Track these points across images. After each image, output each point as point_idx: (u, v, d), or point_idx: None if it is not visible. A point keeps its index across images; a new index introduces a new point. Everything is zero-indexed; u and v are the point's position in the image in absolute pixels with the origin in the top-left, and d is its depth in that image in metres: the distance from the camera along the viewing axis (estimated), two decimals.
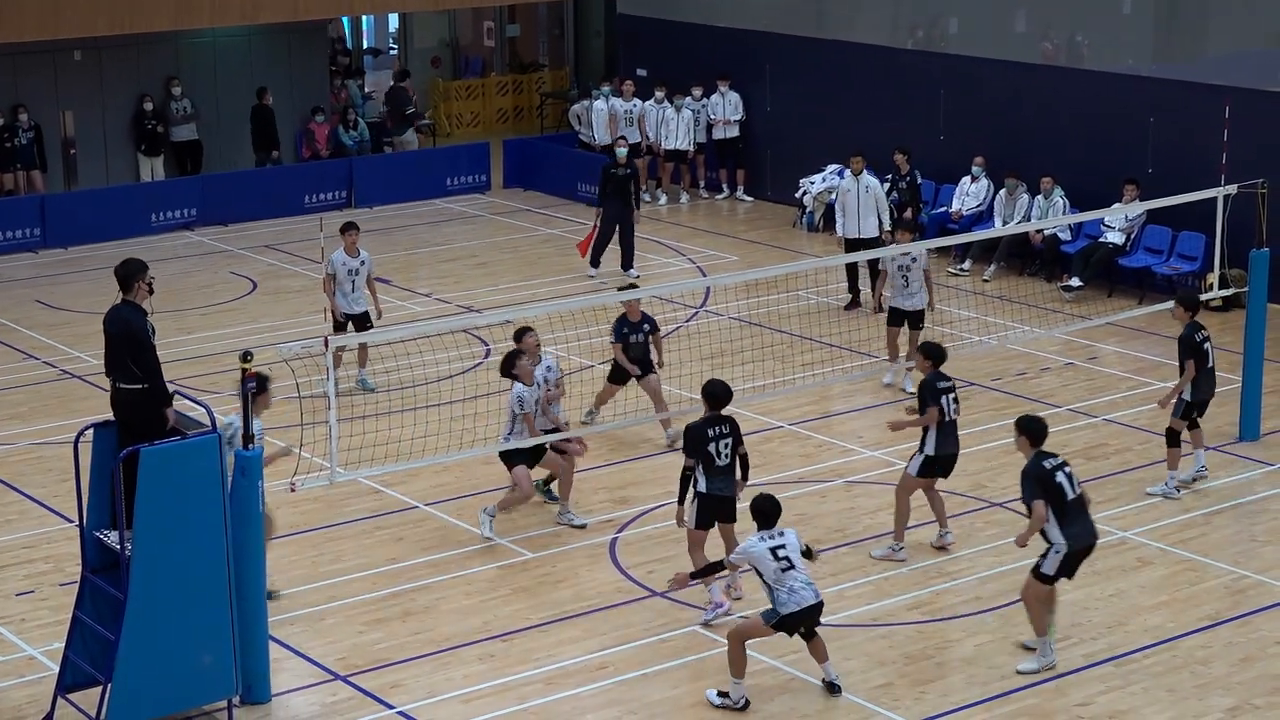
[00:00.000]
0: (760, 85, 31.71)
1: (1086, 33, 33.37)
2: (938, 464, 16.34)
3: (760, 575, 13.65)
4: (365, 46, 40.22)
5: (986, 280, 26.00)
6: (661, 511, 17.59)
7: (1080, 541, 14.06)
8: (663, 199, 31.86)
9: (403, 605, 15.72)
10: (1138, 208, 23.76)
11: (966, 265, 26.61)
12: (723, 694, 13.78)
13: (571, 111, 33.78)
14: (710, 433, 15.20)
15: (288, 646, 14.83)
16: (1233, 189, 19.62)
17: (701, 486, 15.13)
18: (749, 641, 13.80)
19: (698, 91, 31.63)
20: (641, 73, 33.09)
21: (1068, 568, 14.05)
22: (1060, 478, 14.01)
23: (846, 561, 16.48)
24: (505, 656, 14.71)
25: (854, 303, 24.60)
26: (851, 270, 24.67)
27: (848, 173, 25.34)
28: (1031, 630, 14.33)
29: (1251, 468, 18.74)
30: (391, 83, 35.41)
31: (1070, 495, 14.02)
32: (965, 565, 16.38)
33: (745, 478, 15.50)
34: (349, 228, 21.48)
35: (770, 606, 13.64)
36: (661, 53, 33.41)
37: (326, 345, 14.65)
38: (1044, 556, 14.05)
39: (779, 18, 32.24)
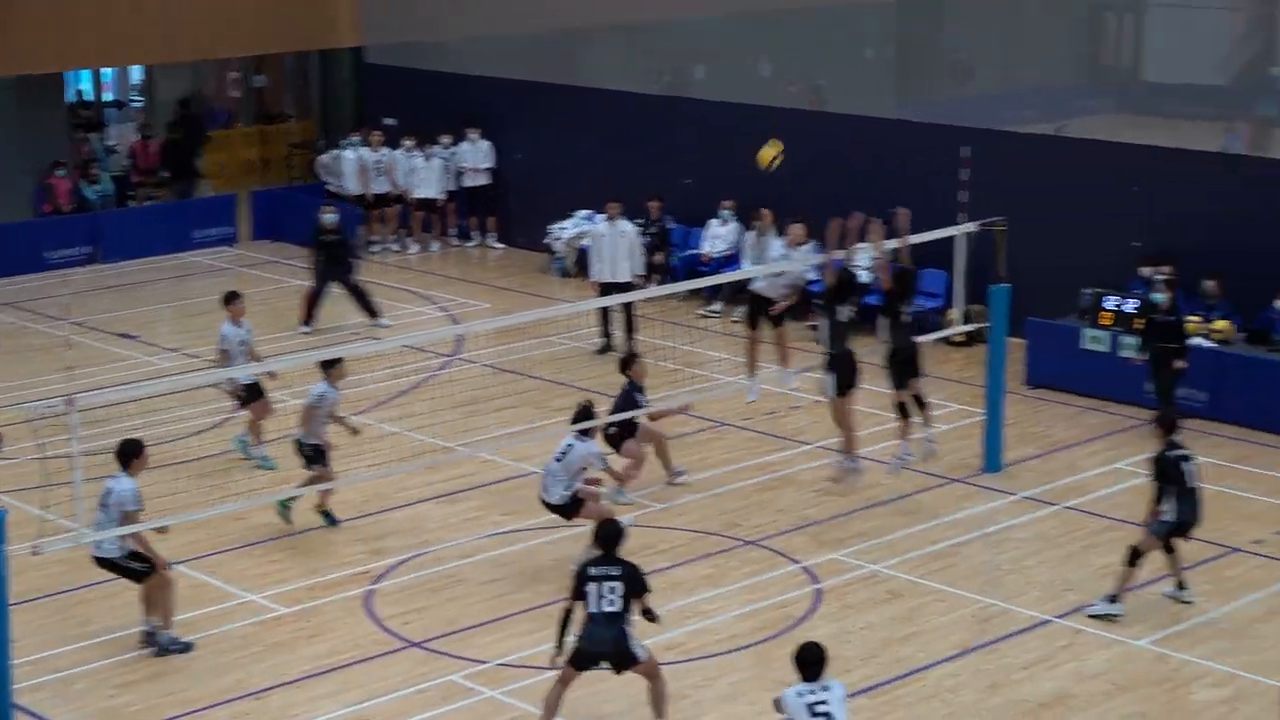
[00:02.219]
0: (510, 133, 31.85)
1: (829, 77, 34.14)
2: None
3: None
4: (105, 100, 39.59)
5: (736, 321, 26.35)
6: (417, 560, 17.57)
7: (1192, 514, 15.88)
8: (414, 248, 31.86)
9: (154, 667, 15.45)
10: (881, 247, 24.26)
11: (717, 307, 26.96)
12: None
13: (319, 162, 33.60)
14: (593, 571, 13.64)
15: (34, 714, 14.51)
16: (973, 227, 20.14)
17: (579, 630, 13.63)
18: None
19: (447, 139, 31.69)
20: (390, 122, 33.03)
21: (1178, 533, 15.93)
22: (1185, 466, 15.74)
23: None
24: (259, 714, 14.55)
25: (606, 347, 24.78)
26: (604, 315, 24.86)
27: (601, 218, 25.58)
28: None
29: (995, 498, 19.23)
30: (137, 136, 34.92)
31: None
32: (719, 605, 16.55)
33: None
34: (234, 297, 20.70)
35: None
36: (410, 102, 33.39)
37: (71, 404, 14.43)
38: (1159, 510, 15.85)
39: (528, 66, 32.44)
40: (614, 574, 13.42)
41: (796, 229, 22.85)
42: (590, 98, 31.11)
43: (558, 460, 17.22)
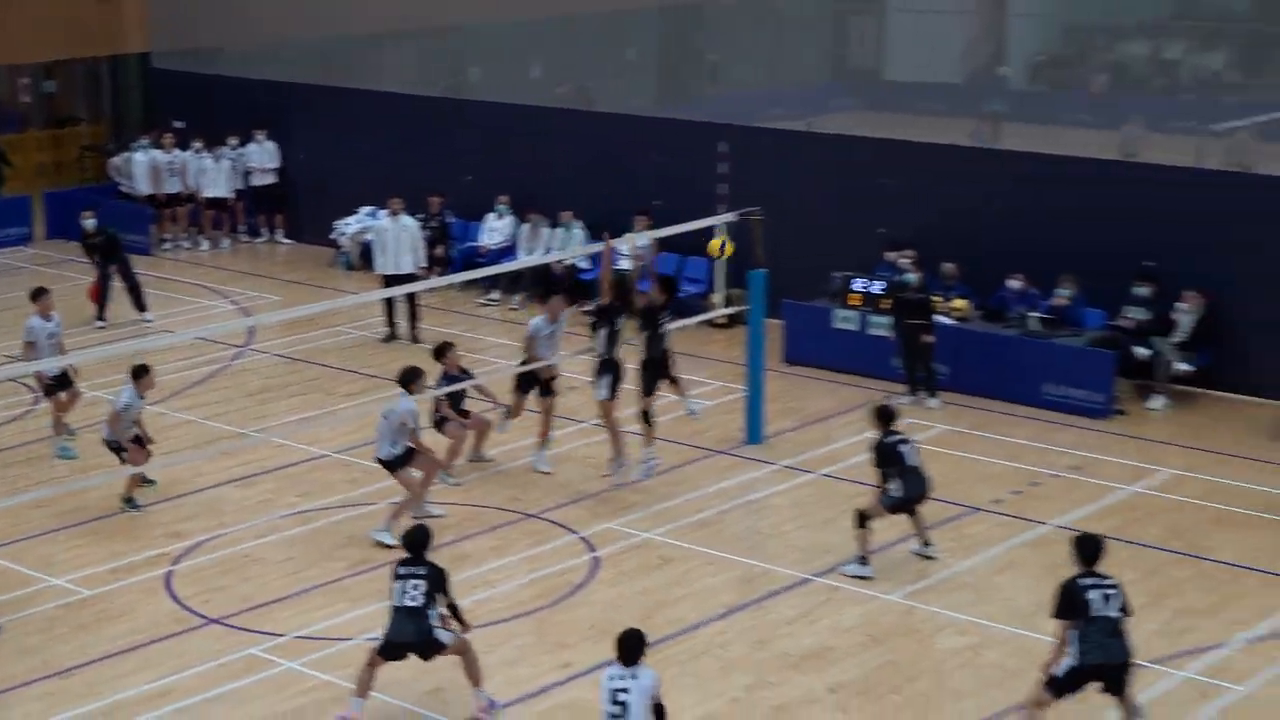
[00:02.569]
0: (296, 134, 31.52)
1: (595, 79, 34.26)
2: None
3: None
4: None
5: (514, 309, 26.42)
6: (215, 541, 17.38)
7: (918, 489, 16.40)
8: (204, 245, 31.40)
9: None
10: (647, 236, 24.45)
11: (496, 295, 26.97)
12: None
13: (111, 164, 32.92)
14: (400, 570, 13.61)
15: None
16: (732, 217, 20.35)
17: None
18: None
19: (234, 141, 31.27)
20: (179, 124, 32.48)
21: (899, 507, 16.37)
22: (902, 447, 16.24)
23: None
24: (65, 693, 14.25)
25: (391, 335, 24.69)
26: (389, 305, 24.75)
27: (385, 214, 25.45)
28: None
29: (757, 468, 19.49)
30: None
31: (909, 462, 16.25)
32: (504, 574, 16.59)
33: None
34: (42, 293, 20.27)
35: None
36: (198, 105, 32.88)
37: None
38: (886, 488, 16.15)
39: (310, 70, 32.17)
40: (419, 573, 13.42)
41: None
42: (370, 99, 30.91)
43: (384, 418, 17.23)
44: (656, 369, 18.77)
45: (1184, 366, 21.34)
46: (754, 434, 20.15)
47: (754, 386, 20.18)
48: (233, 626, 15.41)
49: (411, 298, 24.47)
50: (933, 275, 22.84)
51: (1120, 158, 25.27)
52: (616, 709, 11.77)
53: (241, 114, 31.67)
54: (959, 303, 22.39)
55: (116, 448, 18.07)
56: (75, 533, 17.69)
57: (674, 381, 18.99)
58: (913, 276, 21.62)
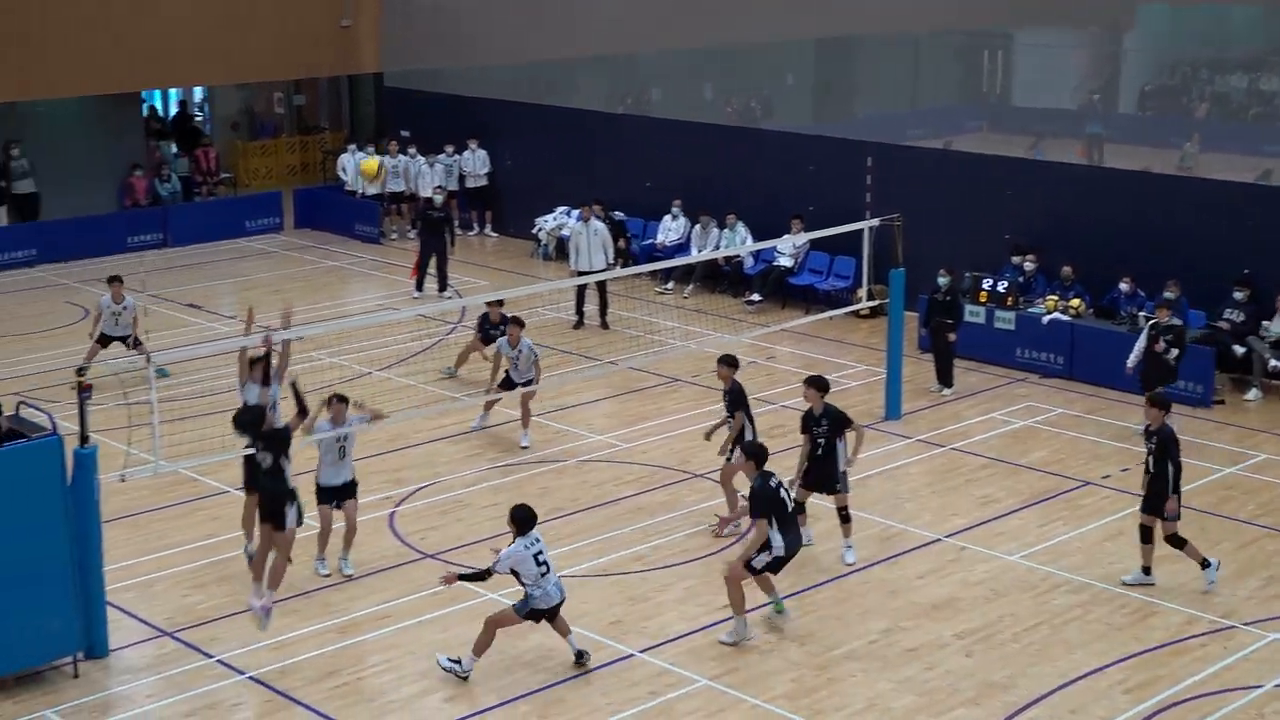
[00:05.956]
0: (502, 143, 31.65)
1: (760, 99, 34.06)
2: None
3: (519, 576, 12.99)
4: (174, 113, 39.11)
5: (686, 297, 26.30)
6: (430, 488, 17.49)
7: (793, 548, 13.74)
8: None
9: (219, 571, 15.36)
10: (803, 237, 24.26)
11: (670, 286, 26.87)
12: (454, 660, 13.23)
13: (340, 163, 33.14)
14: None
15: (123, 609, 14.40)
16: (875, 222, 20.08)
17: None
18: (501, 628, 13.18)
19: (450, 149, 31.48)
20: (405, 134, 32.79)
21: (774, 568, 13.77)
22: (782, 493, 13.66)
23: (581, 523, 16.54)
24: (306, 611, 14.43)
25: (580, 323, 24.56)
26: (580, 296, 24.65)
27: (577, 215, 25.40)
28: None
29: (895, 440, 19.22)
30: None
31: (789, 508, 13.70)
32: (675, 525, 16.52)
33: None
34: (115, 279, 21.49)
35: (523, 599, 13.08)
36: (421, 117, 33.14)
37: (149, 362, 14.28)
38: (759, 553, 13.57)
39: (517, 89, 32.34)
40: None
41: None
42: (566, 115, 30.93)
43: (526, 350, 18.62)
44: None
45: (1276, 363, 20.67)
46: (893, 410, 19.88)
47: (893, 369, 19.90)
48: (445, 560, 15.49)
49: (602, 287, 24.39)
50: (1053, 276, 22.38)
51: (1193, 175, 24.55)
52: (542, 567, 12.92)
53: (458, 126, 31.86)
54: (1075, 302, 21.87)
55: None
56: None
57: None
58: (943, 281, 21.09)
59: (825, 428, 15.34)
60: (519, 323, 19.11)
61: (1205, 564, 14.84)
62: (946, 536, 16.21)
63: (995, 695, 12.91)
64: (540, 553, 12.97)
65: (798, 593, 14.80)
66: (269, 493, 13.86)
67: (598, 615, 14.32)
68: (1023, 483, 17.69)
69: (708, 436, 16.53)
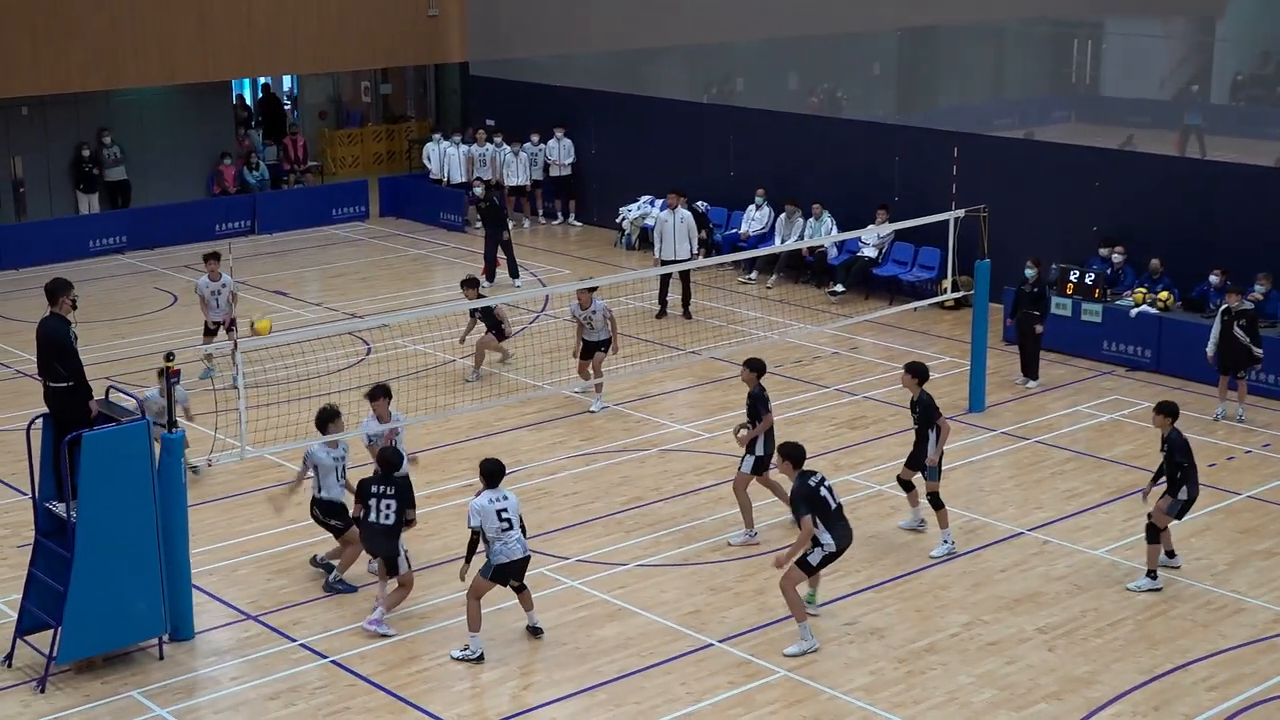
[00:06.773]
0: (587, 132, 31.69)
1: (845, 89, 33.78)
2: (767, 461, 15.60)
3: (484, 535, 13.16)
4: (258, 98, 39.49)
5: (769, 288, 26.22)
6: (512, 475, 17.51)
7: (844, 542, 13.42)
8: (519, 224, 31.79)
9: (302, 556, 15.50)
10: (887, 228, 24.10)
11: (753, 275, 26.79)
12: (463, 649, 13.34)
13: (426, 152, 33.32)
14: (374, 489, 13.97)
15: (208, 593, 14.59)
16: (961, 213, 19.90)
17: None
18: (483, 597, 13.31)
19: (535, 138, 31.56)
20: (490, 122, 32.92)
21: (827, 564, 13.51)
22: (824, 492, 13.30)
23: (661, 513, 16.53)
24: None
25: (663, 312, 24.51)
26: (664, 286, 24.62)
27: (661, 203, 25.32)
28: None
29: (979, 433, 19.06)
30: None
31: (832, 505, 13.35)
32: (755, 515, 16.36)
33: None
34: (211, 257, 21.61)
35: (486, 562, 13.18)
36: (506, 107, 33.26)
37: (236, 347, 14.42)
38: (810, 551, 13.30)
39: (601, 78, 32.26)
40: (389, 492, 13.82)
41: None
42: (650, 104, 30.89)
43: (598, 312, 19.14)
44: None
45: None
46: (976, 402, 19.71)
47: (977, 361, 19.73)
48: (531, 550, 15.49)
49: (685, 277, 24.35)
50: (1141, 270, 22.10)
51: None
52: (504, 523, 13.05)
53: (543, 115, 31.94)
54: (1163, 294, 21.57)
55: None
56: None
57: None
58: (1030, 272, 20.81)
59: (916, 414, 15.36)
60: (589, 290, 19.55)
61: (1171, 554, 15.00)
62: (1029, 530, 16.06)
63: (1077, 690, 12.78)
64: (504, 510, 13.12)
65: (877, 585, 14.73)
66: (385, 554, 13.96)
67: (677, 604, 14.32)
68: (1108, 476, 17.48)
69: (737, 433, 16.10)
